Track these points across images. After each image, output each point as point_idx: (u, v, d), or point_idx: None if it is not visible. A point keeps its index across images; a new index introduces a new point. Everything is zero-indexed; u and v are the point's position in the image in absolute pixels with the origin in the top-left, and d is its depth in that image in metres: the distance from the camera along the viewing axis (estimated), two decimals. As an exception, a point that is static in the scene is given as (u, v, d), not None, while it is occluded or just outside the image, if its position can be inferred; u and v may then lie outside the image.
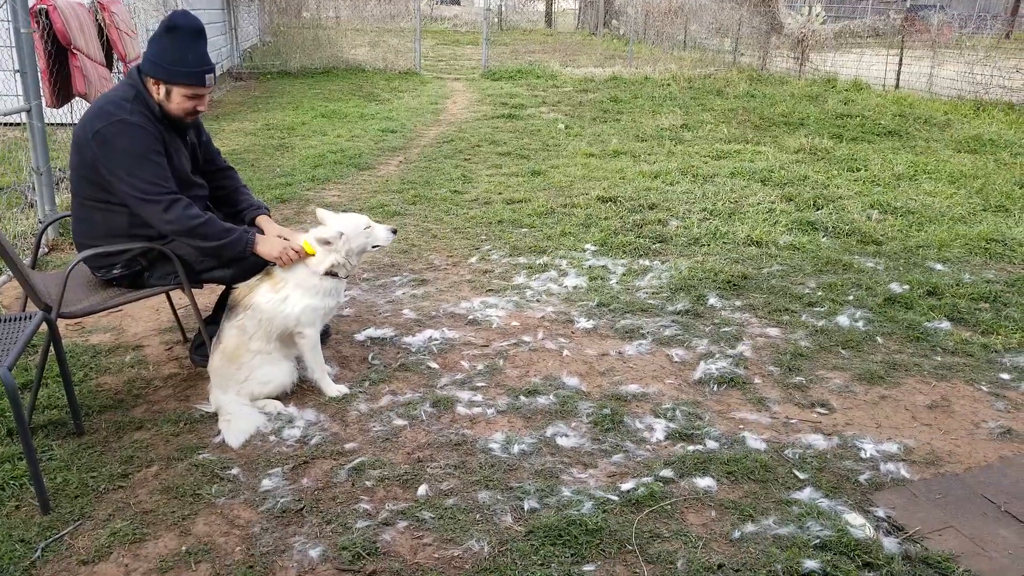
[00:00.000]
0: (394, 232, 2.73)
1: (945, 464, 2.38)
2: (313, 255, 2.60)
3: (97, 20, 4.65)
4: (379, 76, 11.99)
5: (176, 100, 2.46)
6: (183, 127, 2.58)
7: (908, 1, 12.81)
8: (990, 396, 2.80)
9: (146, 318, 3.37)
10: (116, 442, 2.41)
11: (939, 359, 3.07)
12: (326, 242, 2.58)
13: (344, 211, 2.95)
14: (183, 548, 1.95)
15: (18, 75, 4.05)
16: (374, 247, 2.71)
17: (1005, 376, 2.94)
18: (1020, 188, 5.66)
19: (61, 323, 2.56)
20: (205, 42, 2.49)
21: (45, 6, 4.08)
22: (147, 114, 2.45)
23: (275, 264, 2.63)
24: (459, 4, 33.26)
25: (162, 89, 2.44)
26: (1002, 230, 4.65)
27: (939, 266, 4.06)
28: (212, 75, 2.50)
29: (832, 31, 12.28)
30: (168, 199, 2.44)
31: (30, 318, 2.21)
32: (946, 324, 3.37)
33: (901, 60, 11.12)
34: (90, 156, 2.42)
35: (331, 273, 2.63)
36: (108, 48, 4.81)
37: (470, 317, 3.38)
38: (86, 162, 2.45)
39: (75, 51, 4.18)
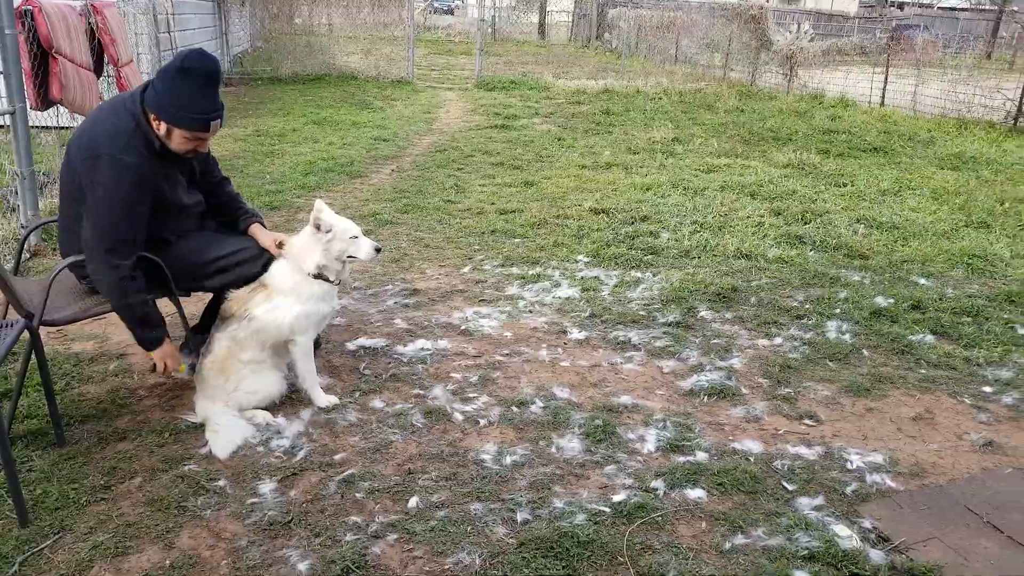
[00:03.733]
0: (378, 251, 2.65)
1: (930, 475, 2.40)
2: (182, 371, 2.56)
3: (89, 23, 4.60)
4: (372, 84, 12.00)
5: (177, 140, 2.41)
6: (182, 159, 2.53)
7: (894, 21, 13.07)
8: (973, 408, 2.83)
9: (132, 325, 3.32)
10: (99, 453, 2.36)
11: (923, 372, 3.11)
12: (316, 226, 2.55)
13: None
14: (167, 562, 1.92)
15: (1, 77, 4.00)
16: (350, 257, 2.64)
17: (987, 389, 2.98)
18: (1001, 205, 5.76)
19: (43, 330, 2.52)
20: (217, 86, 2.41)
21: (31, 7, 4.03)
22: (143, 150, 2.38)
23: (266, 274, 2.62)
24: (452, 14, 33.44)
25: (163, 127, 2.38)
26: (983, 246, 4.73)
27: (923, 280, 4.12)
28: (218, 120, 2.42)
29: (820, 48, 12.49)
30: (111, 253, 2.34)
31: (11, 326, 2.17)
32: (930, 337, 3.42)
33: (886, 78, 11.32)
34: (79, 179, 2.39)
35: (322, 277, 2.62)
36: (100, 52, 4.77)
37: (462, 327, 3.37)
38: (75, 182, 2.41)
39: (56, 56, 4.12)
